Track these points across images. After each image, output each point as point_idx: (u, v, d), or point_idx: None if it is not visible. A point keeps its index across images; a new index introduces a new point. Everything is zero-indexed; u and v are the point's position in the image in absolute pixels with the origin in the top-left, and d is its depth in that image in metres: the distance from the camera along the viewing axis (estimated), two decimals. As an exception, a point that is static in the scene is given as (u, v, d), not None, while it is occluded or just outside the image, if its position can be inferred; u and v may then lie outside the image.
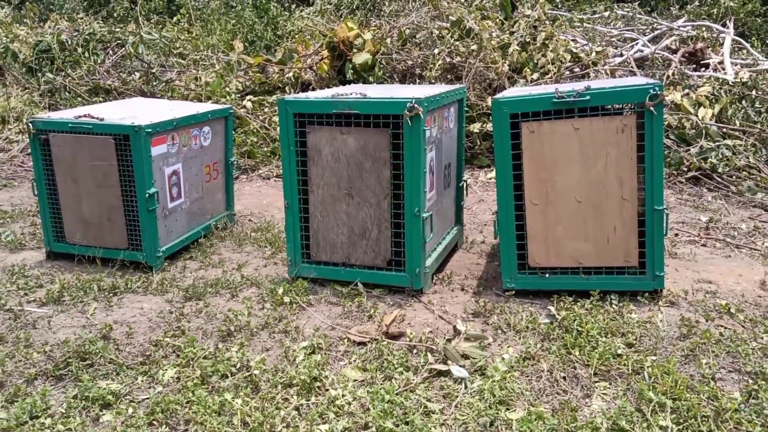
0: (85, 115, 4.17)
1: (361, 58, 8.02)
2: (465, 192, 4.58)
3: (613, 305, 3.41)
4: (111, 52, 9.70)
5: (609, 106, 3.59)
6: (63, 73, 8.80)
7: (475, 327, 3.29)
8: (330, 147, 3.66)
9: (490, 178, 6.51)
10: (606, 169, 3.40)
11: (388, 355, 2.95)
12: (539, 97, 3.43)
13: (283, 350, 3.04)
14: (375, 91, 3.89)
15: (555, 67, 7.15)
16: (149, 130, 4.01)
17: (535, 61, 7.30)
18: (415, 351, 3.04)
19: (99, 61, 8.89)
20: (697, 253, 4.34)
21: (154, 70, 8.39)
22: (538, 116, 3.43)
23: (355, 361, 2.93)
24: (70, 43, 9.48)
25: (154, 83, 8.17)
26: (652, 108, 3.29)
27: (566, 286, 3.57)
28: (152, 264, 4.17)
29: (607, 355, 2.85)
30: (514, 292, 3.64)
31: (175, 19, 13.21)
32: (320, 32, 9.46)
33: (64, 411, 2.62)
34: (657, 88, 3.28)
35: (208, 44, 11.68)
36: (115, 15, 14.64)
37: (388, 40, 8.20)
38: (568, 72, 7.29)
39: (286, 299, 3.61)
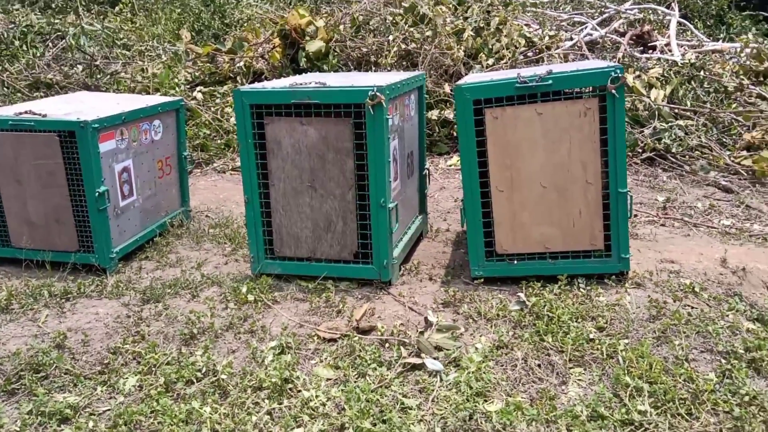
0: (26, 112, 3.93)
1: (314, 45, 7.86)
2: (428, 180, 4.53)
3: (581, 289, 3.41)
4: (51, 44, 9.26)
5: (571, 90, 3.58)
6: (2, 67, 8.35)
7: (446, 317, 3.24)
8: (290, 138, 3.54)
9: (450, 165, 6.48)
10: (570, 153, 3.39)
11: (360, 351, 2.88)
12: (502, 83, 3.38)
13: (251, 351, 2.93)
14: (334, 80, 3.78)
15: (510, 52, 7.15)
16: (96, 125, 3.81)
17: (490, 47, 7.28)
18: (387, 345, 2.98)
19: (38, 55, 8.47)
20: (657, 233, 4.40)
21: (97, 63, 8.04)
22: (501, 102, 3.39)
23: (326, 359, 2.85)
24: (6, 36, 9.01)
25: (98, 76, 7.84)
26: (614, 91, 3.29)
27: (534, 272, 3.55)
28: (106, 266, 3.98)
29: (580, 340, 2.84)
30: (482, 280, 3.61)
31: (117, 8, 12.72)
32: (270, 20, 9.24)
33: (18, 429, 2.46)
34: (618, 71, 3.28)
35: (153, 34, 11.29)
36: (53, 6, 14.02)
37: (342, 27, 8.06)
38: (522, 57, 7.31)
39: (251, 297, 3.49)
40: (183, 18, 13.22)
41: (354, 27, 7.97)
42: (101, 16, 11.26)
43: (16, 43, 8.93)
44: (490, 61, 7.05)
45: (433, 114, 6.77)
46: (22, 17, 9.52)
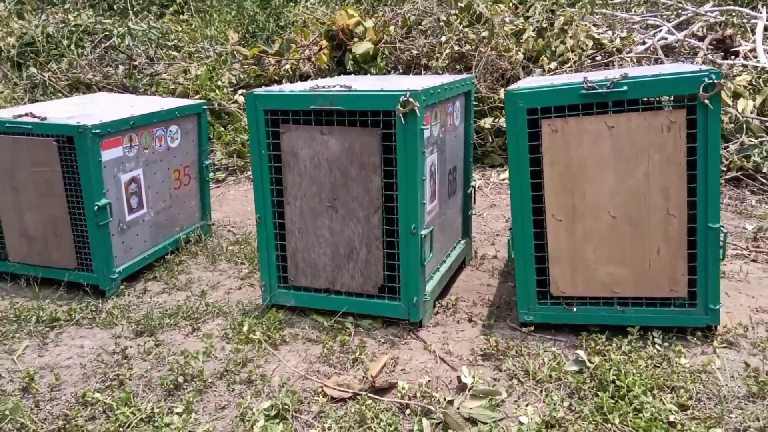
0: (26, 114, 3.55)
1: (361, 47, 7.36)
2: (473, 199, 3.92)
3: (657, 346, 2.74)
4: (99, 44, 9.11)
5: (650, 100, 2.92)
6: (47, 68, 8.22)
7: (485, 375, 2.64)
8: (308, 150, 3.02)
9: (503, 180, 5.83)
10: (648, 177, 2.73)
11: (373, 419, 2.31)
12: (564, 88, 2.76)
13: (241, 412, 2.40)
14: (364, 83, 3.23)
15: (575, 55, 6.45)
16: (97, 130, 3.38)
17: (553, 49, 6.59)
18: (408, 412, 2.40)
19: (83, 54, 8.29)
20: (748, 271, 3.65)
21: (136, 63, 7.77)
22: (562, 111, 2.76)
23: (329, 428, 2.29)
24: (56, 34, 8.91)
25: (138, 77, 7.56)
26: (707, 101, 2.61)
27: (598, 321, 2.91)
28: (105, 287, 3.56)
29: (657, 424, 2.19)
30: (533, 327, 2.98)
31: (171, 9, 12.60)
32: (318, 20, 8.80)
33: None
34: (714, 76, 2.60)
35: (205, 36, 11.08)
36: (115, 7, 14.05)
37: (392, 28, 7.52)
38: (589, 61, 6.58)
39: (255, 335, 2.98)
40: (237, 20, 13.02)
41: (405, 28, 7.42)
42: (157, 17, 11.11)
43: (65, 42, 8.80)
44: (553, 65, 6.36)
45: (486, 122, 6.14)
46: (73, 16, 9.41)
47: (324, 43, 8.03)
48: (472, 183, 3.89)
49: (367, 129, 2.91)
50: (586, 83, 2.71)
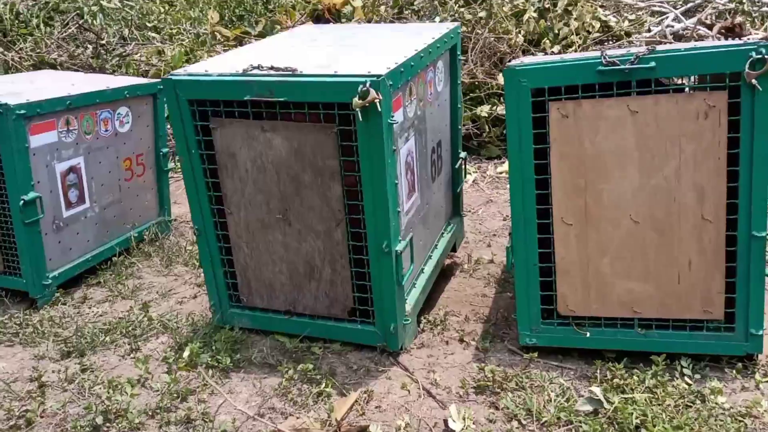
0: (-57, 91, 3.03)
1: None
2: (464, 172, 3.40)
3: (687, 379, 2.26)
4: (71, 23, 8.53)
5: (683, 80, 2.42)
6: (13, 48, 7.65)
7: (478, 414, 2.15)
8: (249, 151, 2.47)
9: (501, 173, 5.33)
10: (679, 173, 2.23)
11: (333, 481, 1.82)
12: (577, 64, 2.24)
13: (167, 467, 1.91)
14: (317, 55, 2.67)
15: (580, 38, 5.93)
16: (22, 111, 2.87)
17: (556, 31, 6.07)
18: (379, 468, 1.91)
19: (52, 33, 7.72)
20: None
21: (103, 42, 7.21)
22: (574, 93, 2.26)
23: (277, 492, 1.80)
24: (25, 13, 8.33)
25: (106, 57, 7.01)
26: (754, 81, 2.11)
27: (614, 346, 2.42)
28: (36, 295, 3.05)
29: (698, 494, 1.70)
30: (536, 351, 2.49)
31: (154, -11, 11.99)
32: (304, -1, 8.25)
33: None
34: (763, 50, 2.10)
35: (188, 17, 10.50)
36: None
37: (382, 8, 6.99)
38: (596, 45, 6.06)
39: (202, 359, 2.48)
40: (225, 1, 12.44)
41: (396, 7, 6.89)
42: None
43: (34, 21, 8.23)
44: (556, 49, 5.84)
45: (484, 110, 5.62)
46: (44, -7, 8.82)
47: (310, 23, 7.50)
48: (461, 154, 3.36)
49: (319, 126, 2.36)
50: (604, 58, 2.20)
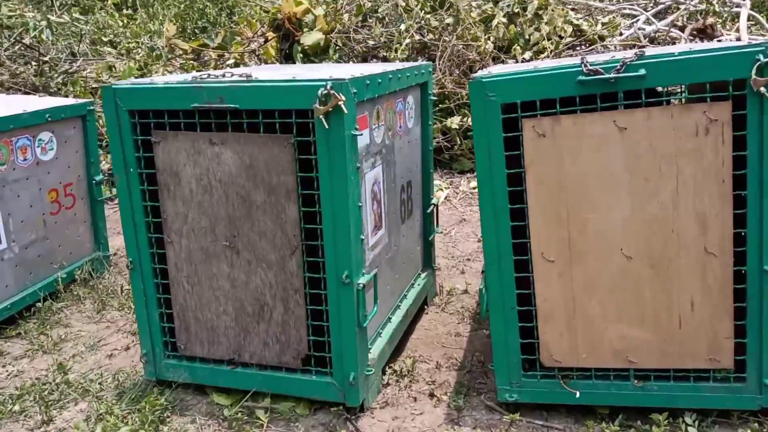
0: None
1: (310, 38, 6.47)
2: (436, 221, 3.07)
3: (694, 441, 1.92)
4: (19, 40, 8.05)
5: (677, 89, 2.10)
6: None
7: (448, 498, 1.78)
8: (195, 167, 2.12)
9: (475, 188, 5.00)
10: (676, 199, 1.90)
11: None
12: (554, 74, 1.91)
13: None
14: (274, 73, 2.35)
15: (552, 43, 5.64)
16: None
17: (527, 37, 5.77)
18: None
19: (-5, 50, 7.24)
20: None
21: (46, 59, 6.76)
22: (551, 107, 1.92)
23: None
24: (-31, 29, 7.84)
25: (50, 74, 6.56)
26: (763, 89, 1.79)
27: (607, 401, 2.07)
28: (-62, 356, 2.62)
29: None
30: (517, 409, 2.13)
31: (110, 1, 11.52)
32: (262, 8, 7.88)
33: None
34: (770, 52, 1.78)
35: (147, 31, 10.08)
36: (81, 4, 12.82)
37: (346, 16, 6.64)
38: (568, 50, 5.79)
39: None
40: (186, 14, 12.04)
41: (360, 15, 6.55)
42: (85, 11, 10.06)
43: (-22, 38, 7.73)
44: (527, 55, 5.55)
45: (454, 122, 5.30)
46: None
47: (271, 34, 7.13)
48: (433, 200, 3.04)
49: (274, 136, 2.03)
50: (585, 66, 1.87)
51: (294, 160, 2.03)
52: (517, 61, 5.57)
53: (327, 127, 1.92)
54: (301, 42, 6.48)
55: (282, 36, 6.90)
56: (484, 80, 1.93)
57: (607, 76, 1.84)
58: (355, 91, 1.99)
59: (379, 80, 2.23)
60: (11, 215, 2.95)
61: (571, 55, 5.66)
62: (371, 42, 6.28)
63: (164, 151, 2.14)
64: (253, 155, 2.05)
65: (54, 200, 3.20)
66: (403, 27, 6.04)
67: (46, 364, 2.65)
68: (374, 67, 2.54)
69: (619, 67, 1.84)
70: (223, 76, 2.11)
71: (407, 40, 5.91)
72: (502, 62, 5.64)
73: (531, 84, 1.92)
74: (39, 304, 3.07)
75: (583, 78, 1.87)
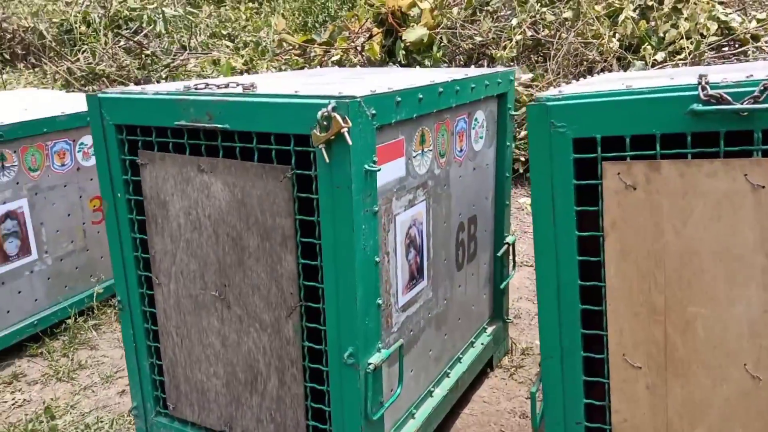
0: None
1: (414, 34, 5.97)
2: (512, 262, 2.49)
3: None
4: (127, 33, 8.27)
5: None
6: (71, 58, 7.44)
7: None
8: (182, 198, 1.72)
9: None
10: (843, 297, 1.22)
11: None
12: (652, 98, 1.29)
13: None
14: (291, 83, 1.90)
15: (691, 42, 4.76)
16: None
17: (661, 35, 4.92)
18: None
19: (110, 43, 7.43)
20: None
21: (148, 52, 6.79)
22: (648, 146, 1.30)
23: None
24: (97, 21, 8.15)
25: (154, 68, 6.57)
26: None
27: None
28: (-52, 376, 2.45)
29: None
30: None
31: (235, -5, 11.70)
32: (367, 1, 7.49)
33: None
34: None
35: (266, 24, 10.11)
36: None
37: (454, 10, 6.09)
38: (711, 52, 4.86)
39: None
40: (308, 8, 12.01)
41: (469, 8, 5.97)
42: (194, 4, 10.21)
43: (102, 30, 8.02)
44: (659, 56, 4.71)
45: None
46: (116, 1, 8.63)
47: (375, 29, 6.74)
48: (508, 238, 2.46)
49: (270, 167, 1.57)
50: (703, 85, 1.24)
51: (292, 198, 1.56)
52: (647, 64, 4.75)
53: (327, 160, 1.43)
54: (403, 38, 6.02)
55: (385, 32, 6.47)
56: (549, 103, 1.36)
57: (737, 106, 1.20)
58: (374, 112, 1.49)
59: (421, 95, 1.71)
60: (44, 224, 2.75)
61: (714, 58, 4.75)
62: (479, 39, 5.69)
63: (151, 175, 1.75)
64: (246, 189, 1.61)
65: (97, 209, 2.97)
66: (514, 22, 5.40)
67: (57, 394, 2.40)
68: (439, 74, 2.01)
69: (758, 94, 1.19)
70: (226, 86, 1.68)
71: (518, 37, 5.26)
72: (629, 64, 4.84)
73: (618, 111, 1.31)
74: (69, 321, 2.85)
75: (701, 106, 1.24)
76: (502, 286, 2.47)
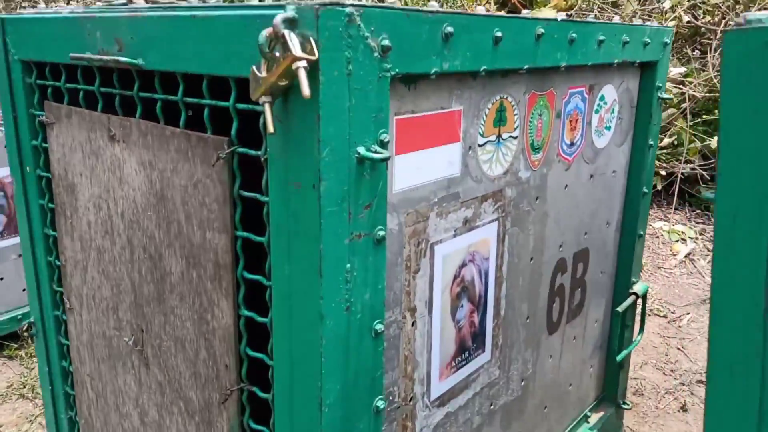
0: None
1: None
2: (639, 324, 1.65)
3: None
4: None
5: None
6: None
7: None
8: (92, 182, 1.08)
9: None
10: None
11: None
12: None
13: None
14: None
15: None
16: None
17: None
18: None
19: None
20: None
21: None
22: None
23: None
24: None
25: None
26: None
27: None
28: None
29: None
30: None
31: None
32: (490, -21, 6.64)
33: None
34: None
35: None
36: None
37: (593, -9, 5.14)
38: None
39: None
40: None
41: (610, -12, 5.00)
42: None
43: None
44: None
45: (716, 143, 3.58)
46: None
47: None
48: (637, 286, 1.61)
49: (197, 138, 0.87)
50: None
51: (230, 198, 0.85)
52: None
53: (272, 130, 0.71)
54: (528, 20, 5.16)
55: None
56: (756, 29, 0.55)
57: None
58: (386, 43, 0.75)
59: (500, 31, 0.94)
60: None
61: None
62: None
63: (58, 142, 1.12)
64: (165, 174, 0.93)
65: None
66: (667, 4, 4.38)
67: (10, 417, 1.88)
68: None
69: None
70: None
71: (671, 23, 4.25)
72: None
73: None
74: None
75: None
76: (619, 358, 1.63)
